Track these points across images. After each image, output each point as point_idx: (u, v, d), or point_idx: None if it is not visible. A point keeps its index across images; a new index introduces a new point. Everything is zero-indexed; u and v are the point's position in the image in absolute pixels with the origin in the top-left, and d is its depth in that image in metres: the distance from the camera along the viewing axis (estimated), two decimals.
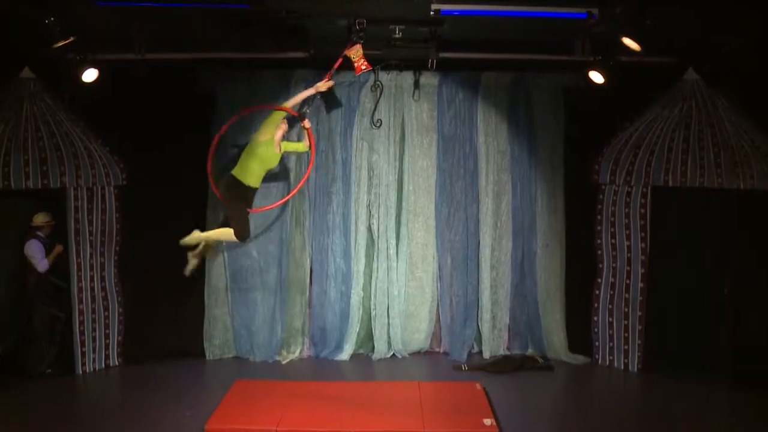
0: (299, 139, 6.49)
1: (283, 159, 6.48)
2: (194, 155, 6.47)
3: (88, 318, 6.44)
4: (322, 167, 6.85)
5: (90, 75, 6.01)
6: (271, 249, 6.82)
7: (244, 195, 5.59)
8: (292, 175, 6.84)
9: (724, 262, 6.26)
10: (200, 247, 5.73)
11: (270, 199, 6.69)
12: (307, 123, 5.95)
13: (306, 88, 5.99)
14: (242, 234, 5.57)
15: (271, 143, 5.59)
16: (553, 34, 5.85)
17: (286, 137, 5.97)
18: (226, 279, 6.87)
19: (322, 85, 5.75)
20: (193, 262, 5.73)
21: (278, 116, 5.66)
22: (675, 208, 6.37)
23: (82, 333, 6.41)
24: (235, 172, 5.58)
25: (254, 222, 6.67)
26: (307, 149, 6.10)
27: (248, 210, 5.70)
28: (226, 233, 5.63)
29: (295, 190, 6.36)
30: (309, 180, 6.81)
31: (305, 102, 6.09)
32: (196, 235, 5.64)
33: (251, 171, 5.57)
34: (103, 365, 6.55)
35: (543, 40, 6.09)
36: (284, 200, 6.41)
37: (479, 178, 6.87)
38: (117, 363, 6.63)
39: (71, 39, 5.61)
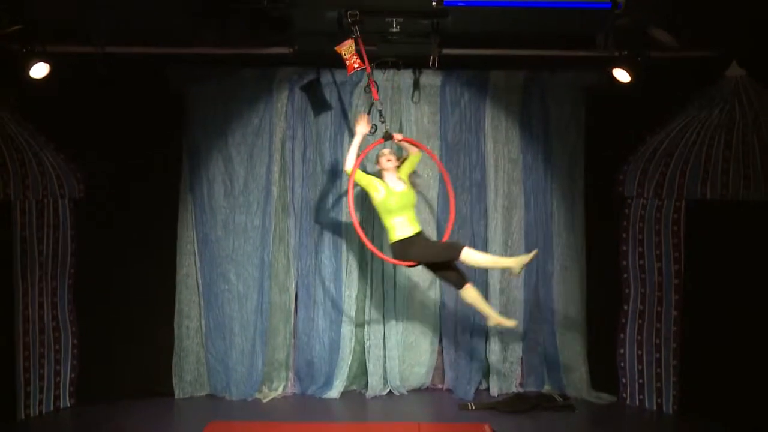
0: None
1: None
2: (162, 165, 6.17)
3: (35, 352, 5.87)
4: (309, 178, 6.44)
5: (39, 70, 5.44)
6: (251, 271, 6.37)
7: (419, 242, 5.16)
8: (274, 188, 6.41)
9: None
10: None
11: (251, 214, 6.35)
12: (398, 136, 5.39)
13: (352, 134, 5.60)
14: (455, 249, 5.01)
15: (390, 192, 5.14)
16: (573, 27, 5.46)
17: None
18: (200, 306, 6.41)
19: (364, 127, 5.25)
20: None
21: (366, 177, 5.20)
22: (714, 225, 5.86)
23: (26, 370, 5.81)
24: (392, 237, 5.13)
25: (232, 242, 6.35)
26: (420, 154, 5.54)
27: (430, 243, 5.33)
28: (466, 294, 5.24)
29: (452, 219, 5.67)
30: (293, 193, 6.41)
31: (381, 121, 5.43)
32: (493, 318, 5.24)
33: (404, 223, 5.15)
34: (52, 407, 6.00)
35: (560, 34, 5.71)
36: (449, 231, 5.69)
37: (487, 190, 6.47)
38: (69, 404, 6.10)
39: (17, 27, 5.16)
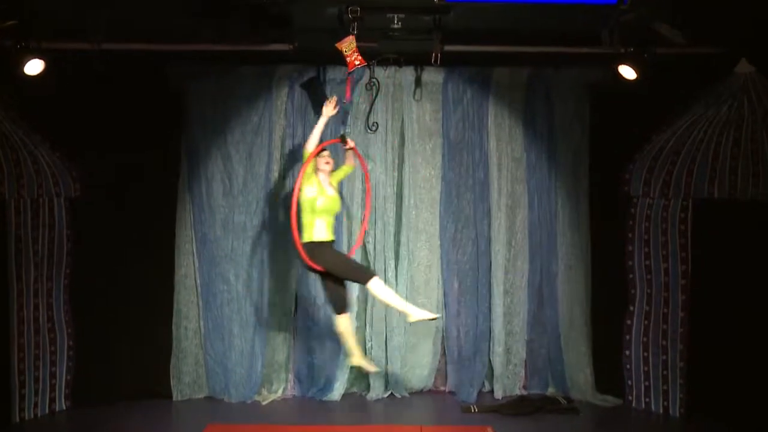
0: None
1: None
2: (160, 163, 6.12)
3: (30, 354, 5.82)
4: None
5: (35, 67, 5.34)
6: (251, 272, 6.32)
7: (332, 251, 5.26)
8: (274, 187, 6.36)
9: None
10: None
11: (250, 213, 6.31)
12: (350, 143, 5.49)
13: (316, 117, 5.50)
14: (366, 273, 5.16)
15: (322, 192, 5.18)
16: (577, 23, 5.41)
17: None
18: (198, 306, 6.36)
19: (331, 110, 5.29)
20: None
21: (310, 168, 5.21)
22: (722, 225, 5.79)
23: (21, 372, 5.75)
24: (307, 237, 5.14)
25: (231, 241, 6.30)
26: (353, 167, 5.68)
27: (343, 257, 5.40)
28: (340, 323, 5.37)
29: (365, 225, 5.90)
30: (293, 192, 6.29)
31: (338, 121, 5.89)
32: (357, 358, 5.45)
33: (323, 227, 5.20)
34: (47, 410, 5.94)
35: (565, 30, 5.64)
36: (357, 245, 5.99)
37: (491, 190, 6.42)
38: (64, 407, 6.04)
39: (11, 23, 5.07)
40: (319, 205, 5.15)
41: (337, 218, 6.27)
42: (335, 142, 5.49)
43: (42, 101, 5.71)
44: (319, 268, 5.16)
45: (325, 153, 5.33)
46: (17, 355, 5.74)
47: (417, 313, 5.12)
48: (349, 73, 5.58)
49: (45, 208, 5.86)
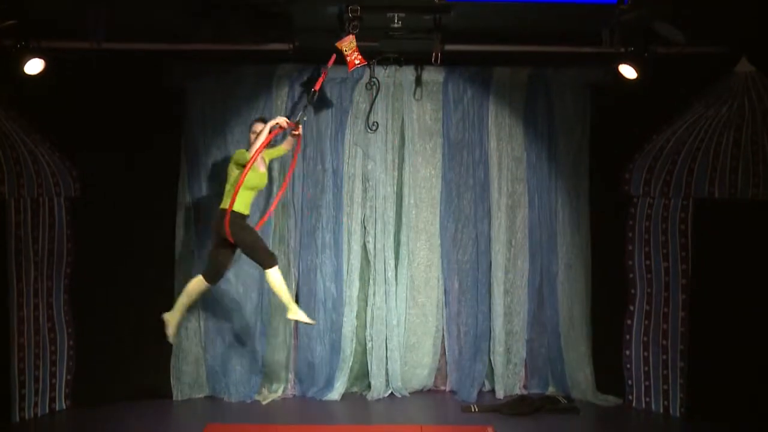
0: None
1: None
2: (161, 162, 6.10)
3: (30, 354, 5.78)
4: (309, 177, 6.37)
5: (34, 66, 5.35)
6: (251, 271, 6.26)
7: (247, 226, 5.42)
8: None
9: None
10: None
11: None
12: (299, 131, 5.63)
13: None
14: (271, 258, 5.37)
15: (254, 169, 5.30)
16: (577, 23, 5.42)
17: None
18: (198, 306, 6.28)
19: (282, 122, 5.40)
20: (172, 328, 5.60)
21: (240, 154, 5.35)
22: (722, 225, 5.77)
23: (21, 372, 5.72)
24: (231, 206, 5.22)
25: None
26: (288, 151, 5.79)
27: (256, 235, 5.48)
28: (197, 284, 5.48)
29: (273, 205, 6.03)
30: (294, 192, 6.36)
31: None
32: (173, 318, 5.55)
33: (246, 200, 5.36)
34: (47, 410, 5.90)
35: (565, 30, 5.64)
36: (264, 218, 5.99)
37: (491, 189, 6.40)
38: (64, 407, 6.00)
39: (11, 22, 5.07)
40: (250, 179, 5.25)
41: (336, 218, 6.34)
42: (291, 126, 5.52)
43: (42, 100, 5.70)
44: (230, 238, 5.26)
45: (259, 128, 5.39)
46: (17, 354, 5.70)
47: (297, 314, 5.40)
48: (348, 72, 5.63)
49: (45, 207, 5.82)
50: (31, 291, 5.78)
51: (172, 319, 5.51)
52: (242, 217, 5.33)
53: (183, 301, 5.50)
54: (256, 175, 5.37)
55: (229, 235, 5.23)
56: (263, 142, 5.23)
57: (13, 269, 5.67)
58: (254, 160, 5.17)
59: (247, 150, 5.32)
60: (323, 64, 6.08)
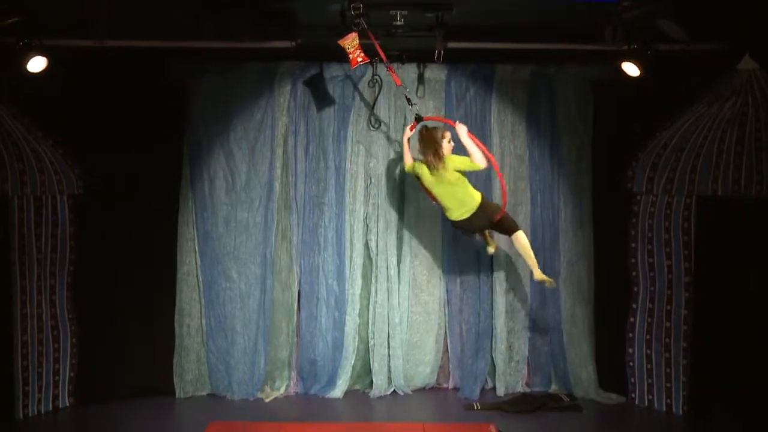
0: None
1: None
2: (163, 160, 6.09)
3: (34, 351, 5.79)
4: (312, 174, 6.34)
5: (37, 64, 5.35)
6: (253, 269, 6.28)
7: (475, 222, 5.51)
8: (276, 184, 6.33)
9: None
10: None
11: (253, 210, 6.26)
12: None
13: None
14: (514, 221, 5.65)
15: (420, 168, 5.48)
16: (580, 20, 5.40)
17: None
18: (201, 304, 6.32)
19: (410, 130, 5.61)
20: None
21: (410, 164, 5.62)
22: (725, 222, 5.73)
23: (25, 369, 5.73)
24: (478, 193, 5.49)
25: (234, 239, 6.26)
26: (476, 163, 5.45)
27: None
28: (527, 241, 5.59)
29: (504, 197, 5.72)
30: (296, 189, 6.35)
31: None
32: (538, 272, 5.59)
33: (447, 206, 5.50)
34: (50, 407, 5.91)
35: (568, 27, 5.61)
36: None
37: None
38: (67, 404, 6.01)
39: (13, 20, 5.07)
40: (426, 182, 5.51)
41: (339, 216, 6.30)
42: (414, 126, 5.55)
43: (45, 98, 5.69)
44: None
45: (448, 134, 5.45)
46: (20, 352, 5.71)
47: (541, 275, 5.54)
48: (351, 70, 5.67)
49: (48, 205, 5.83)
50: (35, 288, 5.78)
51: (540, 274, 5.54)
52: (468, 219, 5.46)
53: (530, 255, 5.53)
54: (428, 177, 5.45)
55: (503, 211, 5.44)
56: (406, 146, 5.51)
57: (16, 267, 5.68)
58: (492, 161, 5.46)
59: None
60: (325, 62, 6.12)
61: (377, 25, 5.34)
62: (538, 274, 5.51)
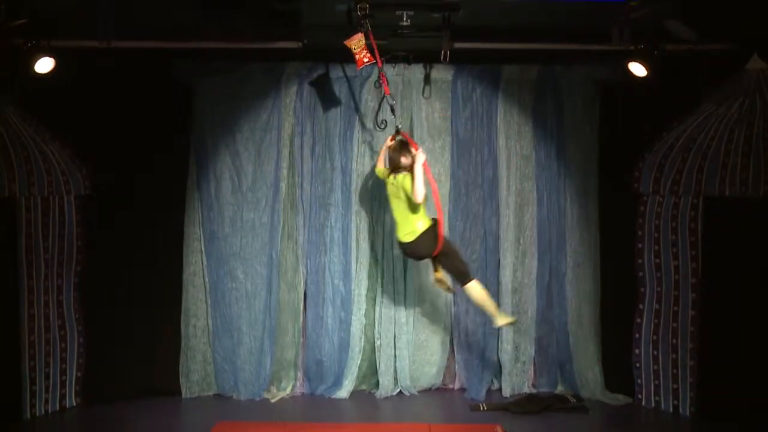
0: None
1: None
2: (170, 160, 6.10)
3: (41, 351, 5.80)
4: (318, 175, 6.34)
5: (44, 65, 5.37)
6: (259, 269, 6.28)
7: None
8: (283, 185, 6.34)
9: None
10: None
11: (259, 211, 6.25)
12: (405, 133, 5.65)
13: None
14: (468, 270, 5.58)
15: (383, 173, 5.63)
16: (587, 20, 5.40)
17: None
18: (207, 304, 6.32)
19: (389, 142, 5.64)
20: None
21: (380, 169, 5.76)
22: (733, 223, 5.71)
23: (32, 369, 5.74)
24: (426, 217, 5.42)
25: (240, 239, 6.26)
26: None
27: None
28: (480, 290, 5.54)
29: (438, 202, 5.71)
30: (302, 190, 6.35)
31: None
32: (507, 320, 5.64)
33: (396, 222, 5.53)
34: (58, 407, 5.92)
35: (574, 27, 5.62)
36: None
37: (499, 187, 6.36)
38: (74, 404, 6.01)
39: (21, 21, 5.05)
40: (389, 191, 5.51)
41: (345, 216, 6.29)
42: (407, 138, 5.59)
43: (52, 99, 5.71)
44: (440, 248, 5.37)
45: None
46: (28, 352, 5.71)
47: (502, 320, 5.57)
48: (357, 70, 5.63)
49: (55, 205, 5.83)
50: (42, 289, 5.79)
51: (502, 319, 5.54)
52: (432, 225, 5.39)
53: (488, 304, 5.51)
54: (389, 185, 5.50)
55: (440, 246, 5.33)
56: (423, 174, 5.25)
57: (23, 267, 5.69)
58: (436, 192, 5.43)
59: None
60: (332, 62, 6.13)
61: (384, 26, 5.33)
62: (499, 322, 5.49)
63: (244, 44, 5.76)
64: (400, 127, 5.57)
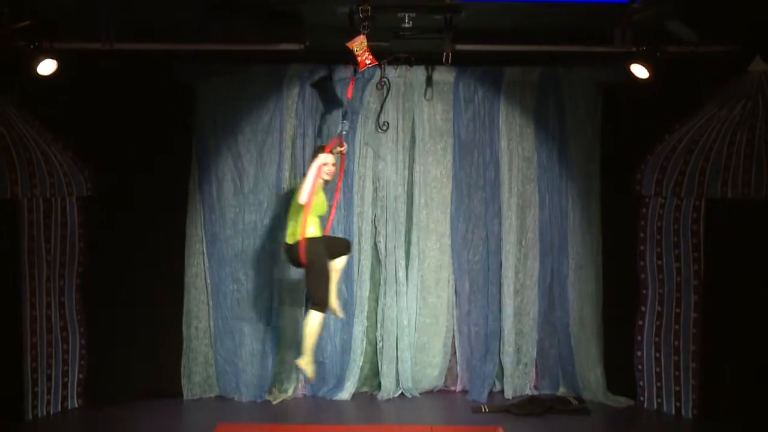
0: None
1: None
2: (172, 162, 6.10)
3: (43, 352, 5.79)
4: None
5: (47, 67, 5.37)
6: (261, 271, 6.28)
7: (323, 250, 5.37)
8: (284, 187, 6.31)
9: None
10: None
11: (261, 213, 6.25)
12: (344, 147, 5.60)
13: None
14: (326, 301, 5.37)
15: (318, 191, 5.39)
16: (589, 22, 5.38)
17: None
18: (209, 306, 6.31)
19: (329, 159, 5.47)
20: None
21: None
22: (735, 225, 5.70)
23: (34, 370, 5.73)
24: (297, 235, 5.30)
25: (242, 241, 6.26)
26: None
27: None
28: (314, 323, 5.33)
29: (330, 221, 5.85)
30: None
31: (342, 121, 5.87)
32: (307, 362, 5.42)
33: (313, 226, 5.39)
34: (59, 408, 5.91)
35: (576, 29, 5.60)
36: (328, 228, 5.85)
37: (501, 189, 6.35)
38: (76, 405, 6.00)
39: (24, 23, 5.03)
40: (314, 207, 5.29)
41: (347, 218, 6.30)
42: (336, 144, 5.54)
43: (54, 101, 5.72)
44: (305, 262, 5.27)
45: (330, 162, 5.40)
46: (30, 353, 5.70)
47: (304, 365, 5.38)
48: (359, 72, 5.54)
49: (57, 207, 5.83)
50: (44, 290, 5.78)
51: (304, 360, 5.40)
52: (321, 241, 5.35)
53: (310, 340, 5.38)
54: (319, 201, 5.38)
55: (304, 260, 5.24)
56: (313, 182, 5.20)
57: (26, 268, 5.68)
58: (309, 203, 5.18)
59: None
60: (334, 64, 6.12)
61: (386, 28, 5.32)
62: (300, 360, 5.37)
63: (246, 46, 5.75)
64: (344, 134, 5.60)
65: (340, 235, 6.27)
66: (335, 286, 5.57)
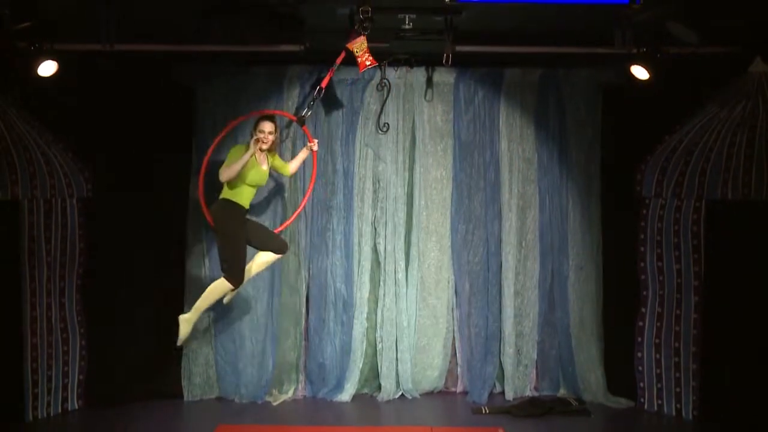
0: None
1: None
2: (172, 163, 6.09)
3: (43, 353, 5.79)
4: (320, 178, 6.31)
5: (48, 68, 5.38)
6: (262, 273, 6.08)
7: (240, 219, 5.32)
8: (286, 194, 6.33)
9: None
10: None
11: (261, 214, 6.21)
12: (315, 145, 5.79)
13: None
14: (239, 275, 5.36)
15: (252, 161, 5.34)
16: (589, 23, 5.37)
17: (279, 151, 5.65)
18: (209, 308, 6.06)
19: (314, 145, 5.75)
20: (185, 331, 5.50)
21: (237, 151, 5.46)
22: (735, 226, 5.69)
23: (34, 371, 5.73)
24: (226, 194, 5.33)
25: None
26: (290, 175, 5.88)
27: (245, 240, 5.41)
28: (217, 288, 5.40)
29: (294, 215, 6.04)
30: (304, 193, 6.29)
31: (306, 105, 5.97)
32: (186, 320, 5.45)
33: (243, 193, 5.35)
34: (59, 409, 5.90)
35: (577, 31, 5.60)
36: (284, 226, 6.05)
37: (502, 190, 6.35)
38: (76, 406, 6.00)
39: (25, 24, 5.06)
40: (251, 177, 5.34)
41: (347, 219, 6.29)
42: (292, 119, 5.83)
43: (54, 102, 5.72)
44: (211, 224, 5.41)
45: (266, 131, 5.42)
46: (30, 354, 5.70)
47: (183, 322, 5.45)
48: (358, 73, 5.62)
49: (58, 208, 5.82)
50: (44, 291, 5.78)
51: (185, 319, 5.46)
52: (241, 211, 5.37)
53: (204, 300, 5.45)
54: (257, 171, 5.39)
55: (210, 220, 5.37)
56: (243, 162, 5.23)
57: (26, 269, 5.67)
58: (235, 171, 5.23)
59: (246, 147, 5.32)
60: (334, 65, 6.12)
61: (386, 29, 5.34)
62: (181, 317, 5.42)
63: (247, 47, 5.75)
64: (305, 118, 5.84)
65: (338, 237, 6.32)
66: (257, 269, 5.59)
